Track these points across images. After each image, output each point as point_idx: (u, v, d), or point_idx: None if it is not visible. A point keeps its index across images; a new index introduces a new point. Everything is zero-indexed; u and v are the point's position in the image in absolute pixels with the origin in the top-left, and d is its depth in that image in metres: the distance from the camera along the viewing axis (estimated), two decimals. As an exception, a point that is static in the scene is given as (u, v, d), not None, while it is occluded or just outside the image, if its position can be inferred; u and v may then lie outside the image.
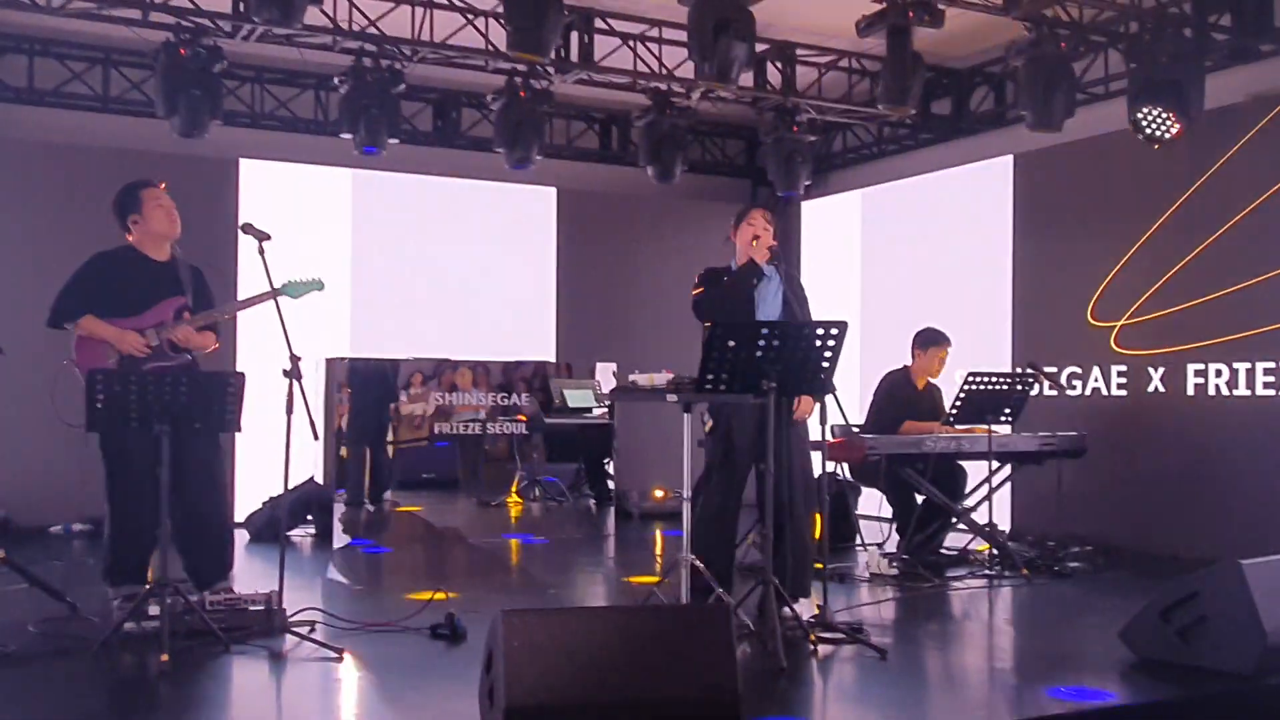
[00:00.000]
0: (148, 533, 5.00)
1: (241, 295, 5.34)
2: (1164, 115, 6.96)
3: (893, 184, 9.93)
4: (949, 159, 9.45)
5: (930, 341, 7.28)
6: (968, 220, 9.10)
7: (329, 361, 8.16)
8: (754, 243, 5.35)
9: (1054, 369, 7.82)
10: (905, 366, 7.32)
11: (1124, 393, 7.80)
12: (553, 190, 10.05)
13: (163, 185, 5.39)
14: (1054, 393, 7.60)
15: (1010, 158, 8.72)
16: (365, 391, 8.10)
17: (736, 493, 5.40)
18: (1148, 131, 7.04)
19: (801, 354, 4.64)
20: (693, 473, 5.08)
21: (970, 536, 7.06)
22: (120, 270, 5.27)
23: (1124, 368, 7.83)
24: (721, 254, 5.80)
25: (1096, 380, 7.97)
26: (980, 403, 6.71)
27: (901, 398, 7.18)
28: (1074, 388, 8.06)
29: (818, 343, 4.64)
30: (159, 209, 5.29)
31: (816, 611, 4.94)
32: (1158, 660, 4.49)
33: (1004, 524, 7.33)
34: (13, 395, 7.59)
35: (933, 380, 7.34)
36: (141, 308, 5.25)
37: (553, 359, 9.46)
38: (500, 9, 6.60)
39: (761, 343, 4.57)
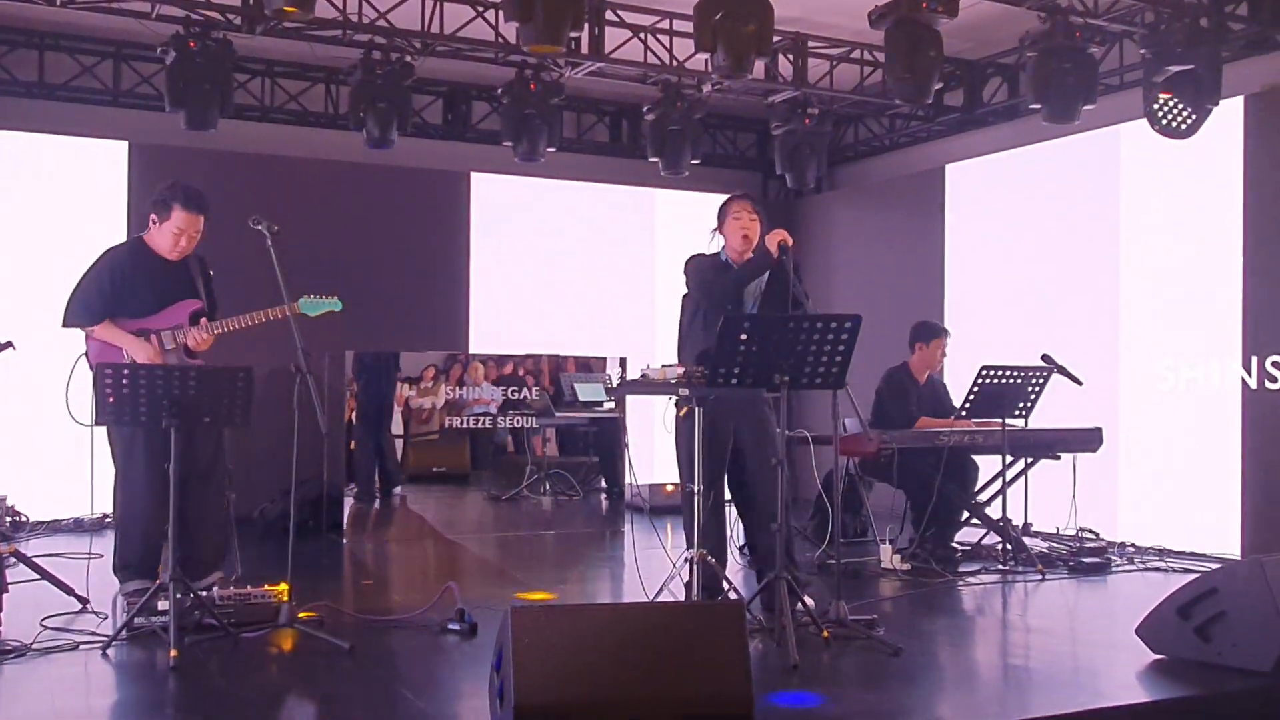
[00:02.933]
0: (156, 528, 4.99)
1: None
2: (1180, 105, 6.89)
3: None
4: (962, 151, 9.39)
5: (931, 334, 7.22)
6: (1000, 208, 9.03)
7: (332, 356, 8.12)
8: (746, 239, 5.25)
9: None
10: (905, 362, 7.25)
11: None
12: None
13: (204, 212, 5.27)
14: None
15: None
16: (372, 384, 8.06)
17: (722, 485, 5.32)
18: (1163, 122, 6.97)
19: (815, 348, 4.60)
20: (703, 467, 5.03)
21: (984, 531, 7.02)
22: (135, 269, 5.25)
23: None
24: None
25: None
26: (994, 397, 6.65)
27: (904, 393, 7.12)
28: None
29: (831, 337, 4.60)
30: (171, 234, 5.21)
31: (826, 607, 4.90)
32: (1175, 657, 4.44)
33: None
34: (24, 388, 7.59)
35: (934, 374, 7.29)
36: (156, 308, 5.25)
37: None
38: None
39: (775, 336, 4.53)
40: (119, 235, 5.40)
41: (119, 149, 8.41)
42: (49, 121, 8.40)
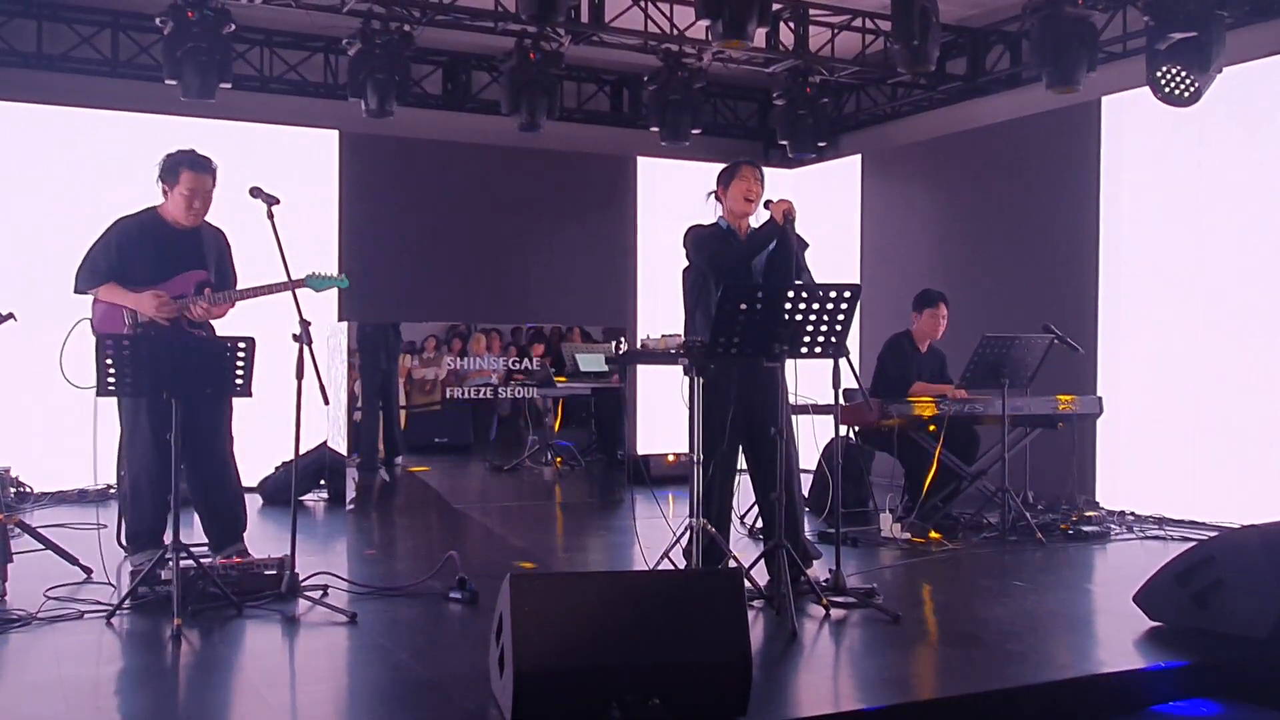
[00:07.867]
0: (163, 497, 5.02)
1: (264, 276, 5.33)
2: (1184, 74, 6.84)
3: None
4: (964, 120, 9.34)
5: (926, 303, 7.24)
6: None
7: (334, 325, 8.13)
8: (748, 201, 5.20)
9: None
10: (908, 330, 7.27)
11: None
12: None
13: (211, 174, 5.30)
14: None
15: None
16: (374, 355, 8.08)
17: (729, 457, 5.20)
18: (1166, 90, 6.92)
19: (814, 317, 4.59)
20: (702, 437, 5.02)
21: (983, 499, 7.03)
22: (143, 238, 5.29)
23: None
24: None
25: None
26: (994, 366, 6.65)
27: (905, 360, 7.14)
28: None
29: (830, 306, 4.60)
30: (183, 197, 5.26)
31: (829, 576, 4.92)
32: (1172, 624, 4.47)
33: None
34: (27, 358, 7.59)
35: (936, 344, 7.29)
36: (163, 277, 5.29)
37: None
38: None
39: (774, 305, 4.52)
40: (111, 209, 5.40)
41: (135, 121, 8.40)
42: (47, 92, 8.36)
